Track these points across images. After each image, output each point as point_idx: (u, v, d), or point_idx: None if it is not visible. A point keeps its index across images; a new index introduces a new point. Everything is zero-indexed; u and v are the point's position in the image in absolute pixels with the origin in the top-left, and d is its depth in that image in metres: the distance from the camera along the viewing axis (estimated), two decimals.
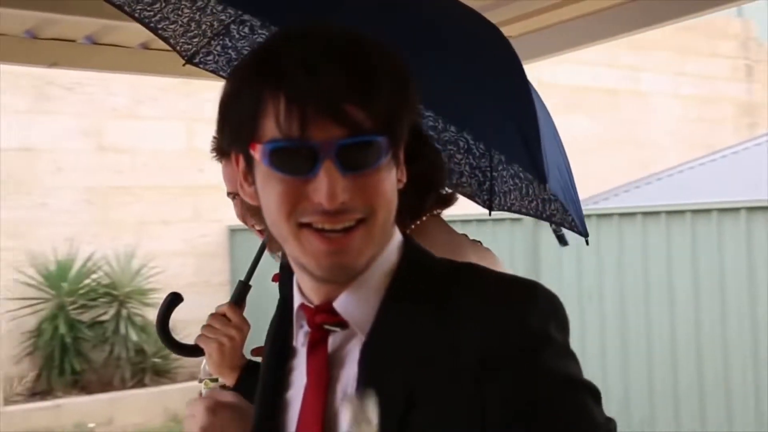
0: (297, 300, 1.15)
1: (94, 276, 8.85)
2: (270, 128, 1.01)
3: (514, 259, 6.80)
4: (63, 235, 8.73)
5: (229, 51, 2.22)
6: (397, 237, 1.13)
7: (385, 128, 1.02)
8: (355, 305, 1.08)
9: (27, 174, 8.73)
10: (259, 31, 2.17)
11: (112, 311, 8.76)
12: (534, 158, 1.79)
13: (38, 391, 8.53)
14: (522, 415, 0.96)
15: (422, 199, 1.72)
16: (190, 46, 2.20)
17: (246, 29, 2.17)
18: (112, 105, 9.32)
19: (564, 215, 2.14)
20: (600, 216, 6.49)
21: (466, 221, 6.41)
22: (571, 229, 2.20)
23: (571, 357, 1.03)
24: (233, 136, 1.08)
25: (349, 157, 1.00)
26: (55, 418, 7.80)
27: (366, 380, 1.04)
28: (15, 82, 8.75)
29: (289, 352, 1.19)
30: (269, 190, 1.04)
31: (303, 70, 0.99)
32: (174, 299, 1.90)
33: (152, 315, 8.53)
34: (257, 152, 1.03)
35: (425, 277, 1.09)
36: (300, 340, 1.16)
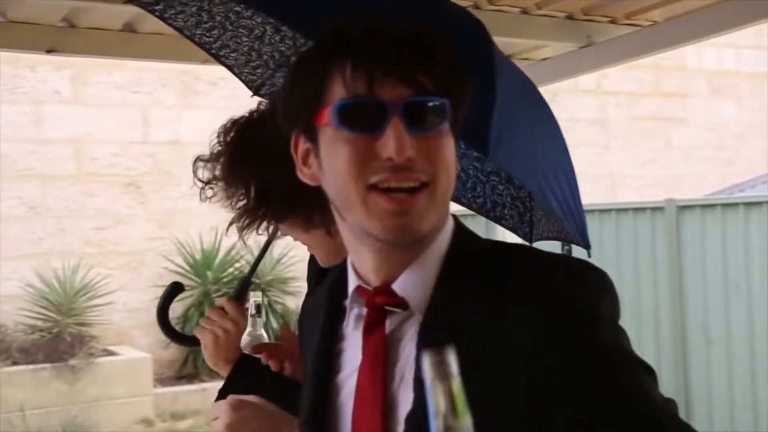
0: (352, 283, 1.15)
1: (237, 265, 9.13)
2: (338, 91, 1.05)
3: (655, 251, 6.63)
4: (208, 225, 9.07)
5: None
6: (450, 220, 1.15)
7: (448, 93, 1.06)
8: (414, 286, 1.10)
9: (176, 166, 9.08)
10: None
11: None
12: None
13: (185, 375, 8.91)
14: (576, 393, 0.95)
15: None
16: (254, 77, 2.17)
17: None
18: (255, 99, 9.57)
19: (563, 230, 2.11)
20: (747, 204, 6.23)
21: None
22: (575, 243, 2.16)
23: (623, 334, 1.02)
24: (297, 114, 1.11)
25: (415, 115, 1.03)
26: (201, 400, 8.12)
27: None
28: (164, 78, 9.15)
29: (336, 338, 1.19)
30: (337, 154, 1.06)
31: (368, 36, 1.05)
32: (174, 289, 1.93)
33: (292, 303, 8.79)
34: (325, 117, 1.06)
35: (477, 258, 1.11)
36: (351, 324, 1.16)
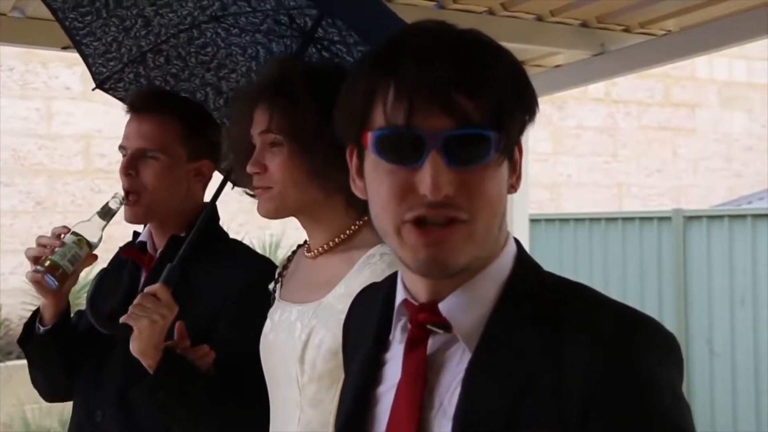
0: (400, 295, 1.11)
1: None
2: (379, 117, 1.01)
3: (661, 261, 6.62)
4: None
5: (141, 80, 2.17)
6: (512, 247, 1.09)
7: (496, 123, 0.99)
8: (461, 310, 1.05)
9: None
10: (174, 62, 2.13)
11: None
12: None
13: None
14: None
15: None
16: (104, 70, 2.14)
17: (162, 59, 2.12)
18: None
19: None
20: (755, 216, 6.23)
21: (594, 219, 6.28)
22: None
23: (684, 405, 0.93)
24: (347, 127, 1.08)
25: (455, 149, 0.97)
26: None
27: (469, 402, 1.00)
28: None
29: (384, 344, 1.15)
30: (376, 181, 1.03)
31: (414, 59, 0.99)
32: (103, 276, 1.92)
33: None
34: (367, 141, 1.03)
35: (536, 294, 1.04)
36: (397, 335, 1.13)
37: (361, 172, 1.09)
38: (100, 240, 1.83)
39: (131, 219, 1.93)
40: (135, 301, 1.70)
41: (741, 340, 6.10)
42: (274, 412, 1.63)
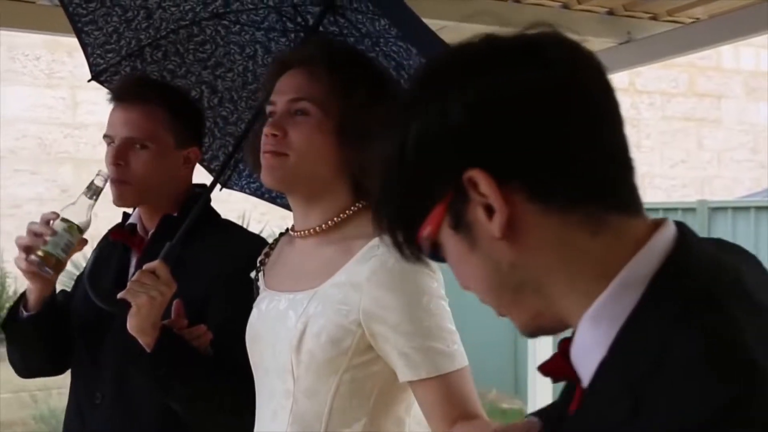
0: None
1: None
2: None
3: (759, 250, 6.58)
4: (237, 212, 9.10)
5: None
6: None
7: None
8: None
9: None
10: (172, 58, 2.11)
11: None
12: None
13: None
14: None
15: None
16: (102, 61, 2.12)
17: (159, 54, 2.11)
18: None
19: None
20: None
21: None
22: None
23: None
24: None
25: None
26: None
27: None
28: None
29: None
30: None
31: None
32: (99, 254, 1.90)
33: None
34: None
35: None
36: None
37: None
38: (89, 220, 1.83)
39: (121, 203, 1.92)
40: (133, 278, 1.66)
41: None
42: (260, 401, 1.61)
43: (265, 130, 1.56)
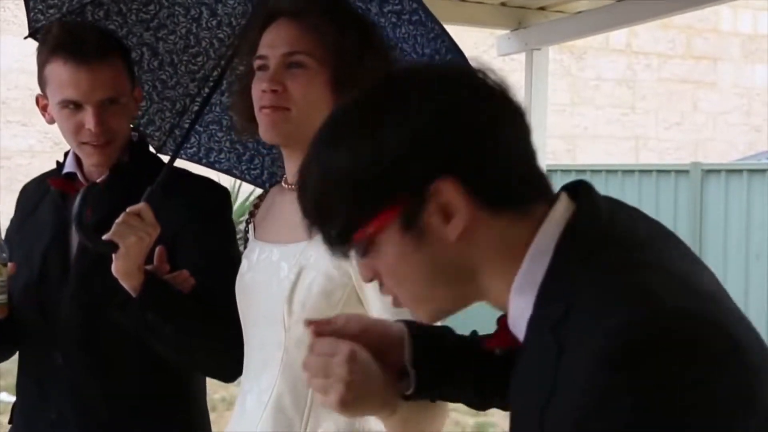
0: None
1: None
2: None
3: (677, 214, 6.59)
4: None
5: None
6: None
7: None
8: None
9: None
10: (114, 18, 2.04)
11: None
12: None
13: None
14: None
15: None
16: (42, 17, 2.02)
17: (101, 13, 2.04)
18: None
19: None
20: None
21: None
22: None
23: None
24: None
25: None
26: None
27: None
28: None
29: None
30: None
31: None
32: (90, 188, 1.80)
33: None
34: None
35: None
36: None
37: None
38: (7, 251, 1.79)
39: (104, 164, 1.87)
40: (118, 220, 1.62)
41: (755, 294, 6.09)
42: (249, 351, 1.61)
43: (263, 85, 1.52)
